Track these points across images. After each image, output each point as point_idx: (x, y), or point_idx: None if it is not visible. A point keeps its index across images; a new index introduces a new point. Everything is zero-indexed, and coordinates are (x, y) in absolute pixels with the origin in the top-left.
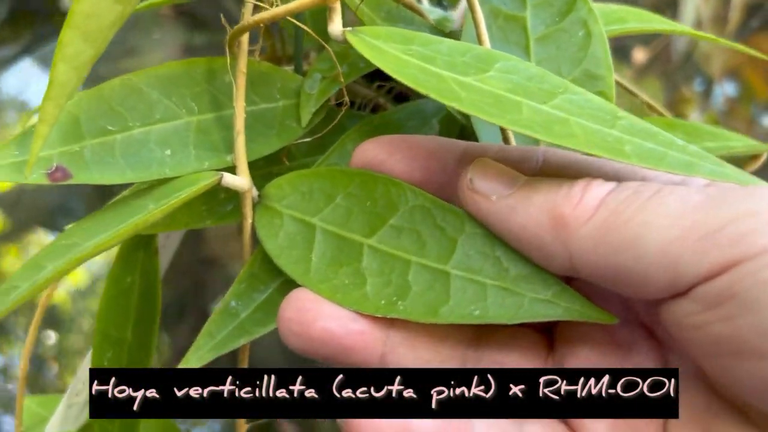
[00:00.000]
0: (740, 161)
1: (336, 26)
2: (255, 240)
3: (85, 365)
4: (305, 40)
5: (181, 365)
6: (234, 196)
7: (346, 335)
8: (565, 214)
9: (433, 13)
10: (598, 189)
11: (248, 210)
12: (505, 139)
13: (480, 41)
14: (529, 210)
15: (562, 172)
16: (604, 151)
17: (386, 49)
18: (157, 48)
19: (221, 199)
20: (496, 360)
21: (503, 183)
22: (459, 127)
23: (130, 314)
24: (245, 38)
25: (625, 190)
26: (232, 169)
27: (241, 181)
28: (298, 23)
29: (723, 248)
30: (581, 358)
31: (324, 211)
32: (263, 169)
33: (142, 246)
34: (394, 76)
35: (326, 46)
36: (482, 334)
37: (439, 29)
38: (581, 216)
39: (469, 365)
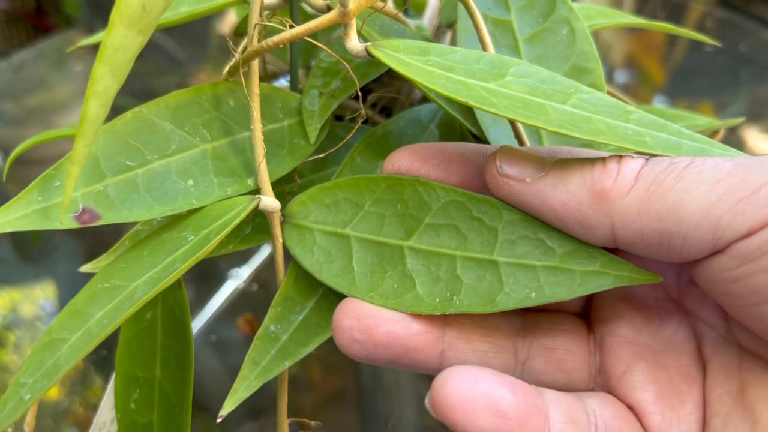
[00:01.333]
0: None
1: (353, 42)
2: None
3: (100, 413)
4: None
5: (230, 396)
6: (250, 219)
7: (409, 336)
8: (606, 188)
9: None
10: (633, 162)
11: (278, 231)
12: (520, 141)
13: (485, 48)
14: (568, 187)
15: None
16: (631, 144)
17: (410, 61)
18: (68, 81)
19: (240, 222)
20: (545, 345)
21: (533, 166)
22: (458, 131)
23: (156, 351)
24: (256, 61)
25: (661, 162)
26: (254, 192)
27: (273, 202)
28: (315, 42)
29: (761, 207)
30: (618, 335)
31: (354, 220)
32: (277, 189)
33: None
34: (429, 86)
35: (343, 62)
36: (528, 323)
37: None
38: (622, 188)
39: (521, 353)
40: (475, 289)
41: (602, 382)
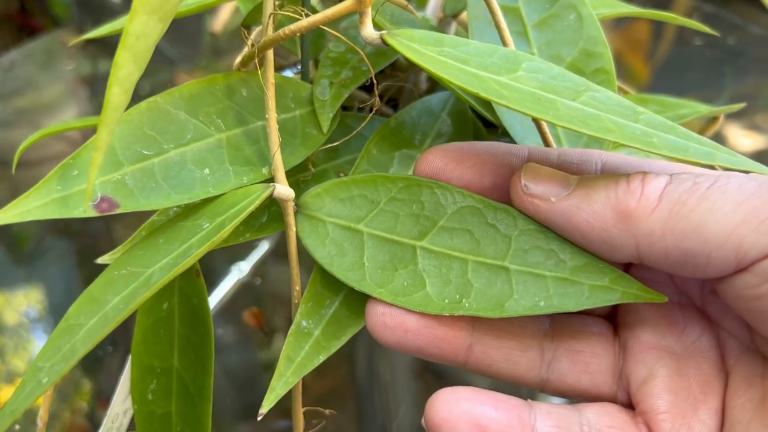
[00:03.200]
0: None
1: (369, 30)
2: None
3: (113, 406)
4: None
5: (268, 394)
6: (266, 207)
7: (438, 325)
8: (630, 208)
9: None
10: (656, 181)
11: (291, 219)
12: (543, 135)
13: (504, 42)
14: (593, 207)
15: (618, 172)
16: (638, 143)
17: (424, 51)
18: (57, 81)
19: (255, 211)
20: (571, 346)
21: (558, 185)
22: (470, 119)
23: (174, 340)
24: (271, 50)
25: (685, 181)
26: (269, 181)
27: (287, 190)
28: (330, 30)
29: None
30: (641, 340)
31: (368, 216)
32: (291, 178)
33: None
34: (442, 76)
35: (359, 50)
36: (556, 323)
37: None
38: (646, 208)
39: (548, 353)
40: (484, 293)
41: (624, 386)
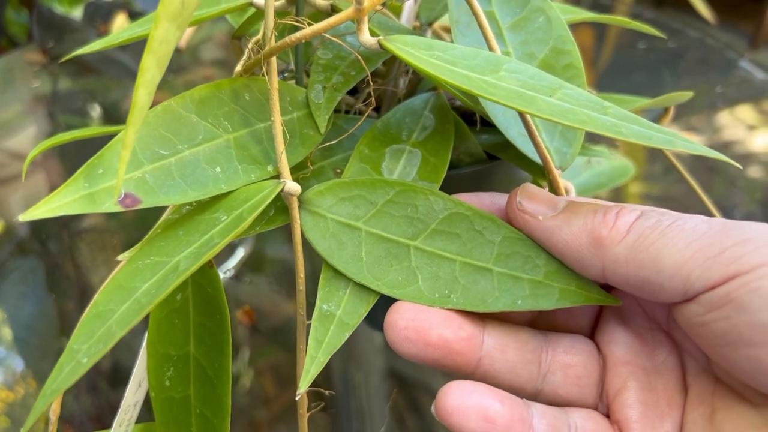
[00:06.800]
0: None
1: (366, 36)
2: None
3: (126, 398)
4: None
5: (303, 375)
6: (272, 203)
7: (456, 341)
8: (602, 236)
9: None
10: (628, 215)
11: (296, 213)
12: (526, 125)
13: (490, 47)
14: (572, 230)
15: None
16: (610, 132)
17: (418, 54)
18: (15, 101)
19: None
20: (565, 361)
21: (547, 206)
22: (451, 115)
23: (189, 329)
24: (275, 58)
25: (650, 219)
26: (273, 178)
27: (295, 186)
28: (333, 38)
29: (724, 266)
30: (617, 356)
31: (366, 215)
32: (293, 175)
33: None
34: (438, 76)
35: (357, 55)
36: (551, 341)
37: None
38: (616, 237)
39: (543, 366)
40: (470, 290)
41: (604, 398)
